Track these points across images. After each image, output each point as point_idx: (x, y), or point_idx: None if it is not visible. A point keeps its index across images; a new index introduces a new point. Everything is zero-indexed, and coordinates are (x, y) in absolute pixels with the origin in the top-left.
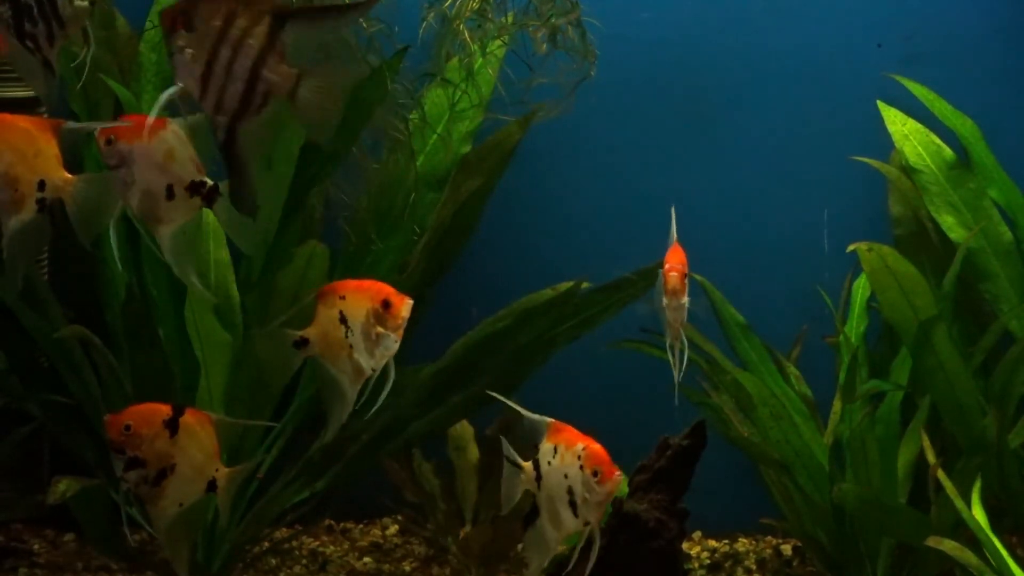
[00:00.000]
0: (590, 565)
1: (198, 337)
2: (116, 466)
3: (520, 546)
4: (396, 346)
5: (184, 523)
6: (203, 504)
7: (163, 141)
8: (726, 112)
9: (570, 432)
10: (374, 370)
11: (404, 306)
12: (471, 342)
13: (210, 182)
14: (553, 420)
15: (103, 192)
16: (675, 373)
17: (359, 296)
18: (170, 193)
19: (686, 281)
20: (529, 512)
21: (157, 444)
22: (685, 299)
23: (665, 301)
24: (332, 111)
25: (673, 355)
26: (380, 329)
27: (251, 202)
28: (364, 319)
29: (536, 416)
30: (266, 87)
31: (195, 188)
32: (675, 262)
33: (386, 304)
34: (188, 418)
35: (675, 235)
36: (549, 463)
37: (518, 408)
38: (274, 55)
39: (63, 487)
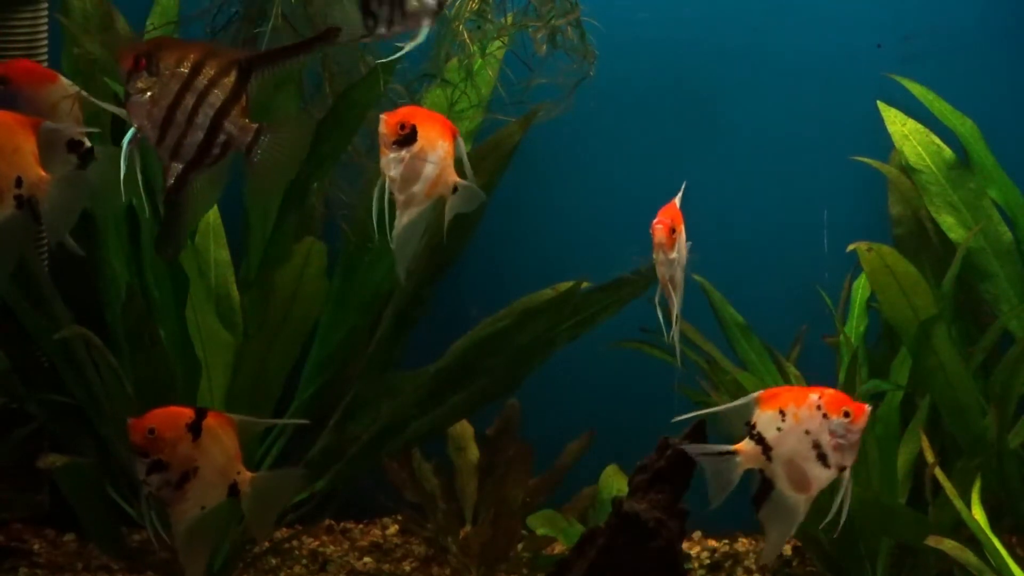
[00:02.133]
0: (843, 514)
1: (199, 337)
2: (139, 469)
3: (527, 545)
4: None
5: (203, 529)
6: (223, 510)
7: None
8: (726, 112)
9: (788, 390)
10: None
11: (381, 123)
12: (471, 342)
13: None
14: (761, 391)
15: (76, 193)
16: (665, 333)
17: None
18: None
19: (675, 236)
20: (758, 492)
21: (180, 447)
22: (673, 254)
23: (653, 256)
24: (286, 171)
25: (661, 313)
26: None
27: (176, 249)
28: None
29: (737, 401)
30: (226, 139)
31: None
32: (663, 216)
33: None
34: (211, 421)
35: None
36: (779, 428)
37: (713, 409)
38: (238, 107)
39: (52, 458)
